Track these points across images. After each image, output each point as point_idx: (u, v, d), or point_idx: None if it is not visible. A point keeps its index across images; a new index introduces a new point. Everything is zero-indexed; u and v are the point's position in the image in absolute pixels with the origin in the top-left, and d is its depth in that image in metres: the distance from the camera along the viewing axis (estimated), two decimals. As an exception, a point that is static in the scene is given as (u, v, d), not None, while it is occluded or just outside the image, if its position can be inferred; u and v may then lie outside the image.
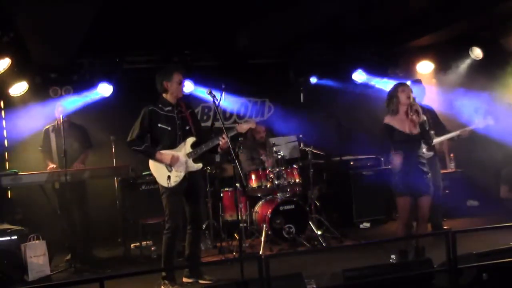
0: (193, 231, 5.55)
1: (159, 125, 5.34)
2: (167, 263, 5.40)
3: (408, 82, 5.91)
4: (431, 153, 6.87)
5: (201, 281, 5.43)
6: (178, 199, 5.39)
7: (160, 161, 5.32)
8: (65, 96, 7.55)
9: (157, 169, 5.38)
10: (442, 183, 7.08)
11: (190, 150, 5.40)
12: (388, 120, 5.31)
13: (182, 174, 5.35)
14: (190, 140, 5.43)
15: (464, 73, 8.45)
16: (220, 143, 5.32)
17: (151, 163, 5.41)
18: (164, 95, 5.46)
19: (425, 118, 5.35)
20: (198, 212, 5.55)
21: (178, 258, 6.27)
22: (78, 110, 7.41)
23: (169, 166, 5.31)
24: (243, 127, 5.63)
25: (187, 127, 5.45)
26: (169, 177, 5.28)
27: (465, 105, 8.24)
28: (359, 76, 8.78)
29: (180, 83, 5.43)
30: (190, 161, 5.39)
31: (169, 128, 5.35)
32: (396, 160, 5.22)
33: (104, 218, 7.55)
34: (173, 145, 5.38)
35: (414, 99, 5.33)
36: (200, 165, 5.46)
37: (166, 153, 5.32)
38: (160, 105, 5.40)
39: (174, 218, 5.35)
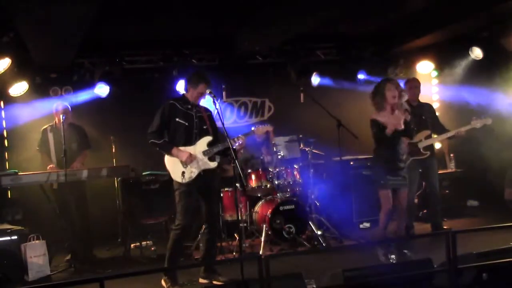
0: (209, 231, 5.57)
1: (177, 119, 5.40)
2: (172, 260, 5.41)
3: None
4: (428, 153, 6.87)
5: (214, 282, 5.42)
6: (191, 198, 5.39)
7: (176, 157, 5.35)
8: (65, 96, 7.55)
9: (172, 165, 5.40)
10: (438, 184, 7.09)
11: (206, 148, 5.44)
12: (375, 116, 5.55)
13: (197, 171, 5.38)
14: (206, 139, 5.47)
15: (464, 73, 8.45)
16: (239, 144, 5.38)
17: (167, 158, 5.45)
18: (186, 93, 5.57)
19: (409, 117, 5.59)
20: (213, 211, 5.58)
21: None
22: (78, 110, 7.41)
23: (189, 163, 5.34)
24: (261, 130, 5.65)
25: (204, 126, 5.51)
26: (183, 173, 5.32)
27: (465, 104, 8.27)
28: (360, 76, 8.79)
29: (201, 95, 5.50)
30: (206, 159, 5.43)
31: (187, 124, 5.40)
32: None
33: (104, 218, 7.55)
34: (188, 142, 5.42)
35: (402, 96, 5.48)
36: (215, 164, 5.50)
37: (184, 150, 5.36)
38: (180, 101, 5.49)
39: (185, 215, 5.35)
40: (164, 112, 5.41)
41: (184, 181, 5.32)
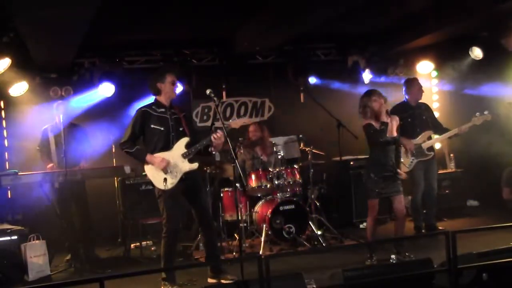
0: (204, 231, 5.55)
1: (152, 126, 5.35)
2: (167, 265, 5.40)
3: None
4: (431, 153, 6.88)
5: (223, 281, 5.38)
6: (176, 202, 5.36)
7: (151, 163, 5.31)
8: (65, 96, 7.55)
9: (153, 172, 5.36)
10: (436, 186, 7.10)
11: (185, 150, 5.39)
12: (368, 121, 5.69)
13: (179, 175, 5.34)
14: (184, 140, 5.41)
15: (464, 73, 8.45)
16: (213, 140, 5.27)
17: (147, 166, 5.39)
18: (157, 97, 5.49)
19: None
20: (204, 211, 5.52)
21: (178, 258, 6.31)
22: (78, 110, 7.41)
23: (164, 168, 5.29)
24: (237, 123, 5.54)
25: (181, 128, 5.45)
26: (165, 179, 5.25)
27: (465, 104, 8.28)
28: (365, 75, 8.77)
29: (173, 84, 5.44)
30: (186, 161, 5.38)
31: (162, 129, 5.35)
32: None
33: (104, 218, 7.55)
34: (167, 147, 5.37)
35: (385, 104, 5.68)
36: (196, 165, 5.44)
37: (157, 156, 5.31)
38: (153, 107, 5.42)
39: (172, 221, 5.34)
40: (136, 122, 5.36)
41: (166, 187, 5.25)
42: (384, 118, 5.62)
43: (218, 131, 5.27)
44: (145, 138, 5.43)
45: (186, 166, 5.38)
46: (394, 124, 5.67)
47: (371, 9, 6.86)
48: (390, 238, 6.26)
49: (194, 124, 5.64)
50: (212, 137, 5.28)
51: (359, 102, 5.80)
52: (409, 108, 6.93)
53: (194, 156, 5.43)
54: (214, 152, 5.64)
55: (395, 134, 5.68)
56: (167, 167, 5.29)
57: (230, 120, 5.62)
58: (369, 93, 5.74)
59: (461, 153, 8.56)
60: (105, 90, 7.75)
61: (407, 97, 7.03)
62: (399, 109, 6.83)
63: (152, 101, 5.53)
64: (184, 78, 7.85)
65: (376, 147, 5.71)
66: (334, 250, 6.69)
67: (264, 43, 7.87)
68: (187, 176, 5.39)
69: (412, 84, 7.03)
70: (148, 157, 5.31)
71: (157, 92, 5.47)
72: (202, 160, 5.66)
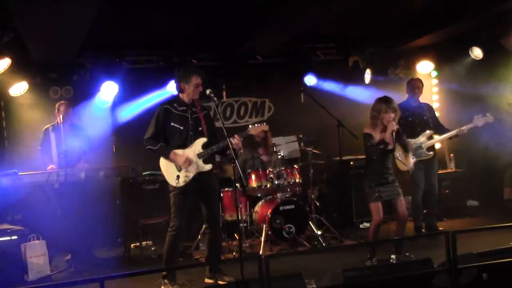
0: (210, 232, 5.57)
1: (172, 124, 5.38)
2: (169, 262, 5.41)
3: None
4: (431, 153, 6.89)
5: (220, 282, 5.39)
6: (186, 199, 5.39)
7: (173, 161, 5.33)
8: (65, 96, 7.55)
9: (167, 168, 5.40)
10: (437, 185, 7.10)
11: (201, 150, 5.40)
12: (368, 130, 5.64)
13: (191, 174, 5.36)
14: (201, 140, 5.43)
15: (463, 73, 8.45)
16: (234, 143, 5.27)
17: (162, 161, 5.43)
18: (180, 94, 5.52)
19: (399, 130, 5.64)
20: (213, 212, 5.56)
21: (179, 258, 6.31)
22: (79, 110, 7.41)
23: (180, 166, 5.33)
24: (256, 130, 5.56)
25: (200, 128, 5.47)
26: (178, 176, 5.29)
27: (465, 104, 8.27)
28: (366, 76, 8.76)
29: (198, 87, 5.44)
30: (200, 161, 5.40)
31: (181, 128, 5.38)
32: None
33: (104, 218, 7.53)
34: (183, 145, 5.40)
35: (395, 120, 5.55)
36: (210, 166, 5.45)
37: (180, 154, 5.33)
38: (175, 104, 5.45)
39: (179, 217, 5.36)
40: (158, 118, 5.39)
41: (178, 185, 5.29)
42: (386, 137, 5.52)
43: (236, 136, 5.29)
44: (164, 134, 5.44)
45: (200, 166, 5.40)
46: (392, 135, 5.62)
47: (371, 9, 6.86)
48: (390, 239, 6.26)
49: (213, 123, 5.63)
50: (229, 142, 5.25)
51: (374, 104, 5.67)
52: (410, 107, 6.94)
53: (209, 157, 5.45)
54: (229, 155, 5.63)
55: (391, 146, 5.59)
56: (184, 167, 5.31)
57: (250, 126, 5.58)
58: (387, 102, 5.57)
59: (461, 153, 8.56)
60: (109, 90, 7.74)
61: (408, 96, 7.07)
62: (400, 108, 6.85)
63: (174, 97, 5.58)
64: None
65: (371, 157, 5.69)
66: (334, 250, 6.69)
67: (265, 43, 7.87)
68: (200, 176, 5.40)
69: (409, 84, 7.14)
70: (172, 154, 5.33)
71: (181, 91, 5.51)
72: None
